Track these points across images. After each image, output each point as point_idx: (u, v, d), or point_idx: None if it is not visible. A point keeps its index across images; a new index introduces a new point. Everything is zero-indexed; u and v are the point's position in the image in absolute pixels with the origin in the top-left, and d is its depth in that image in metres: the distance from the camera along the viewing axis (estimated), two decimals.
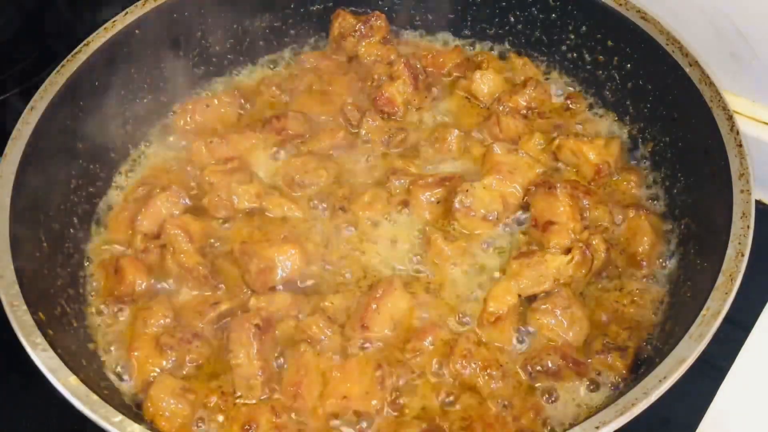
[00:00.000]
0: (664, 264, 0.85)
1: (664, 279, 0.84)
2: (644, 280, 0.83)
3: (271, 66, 1.07)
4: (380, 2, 1.06)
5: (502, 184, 0.87)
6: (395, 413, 0.75)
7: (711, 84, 0.84)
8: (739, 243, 0.72)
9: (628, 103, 0.96)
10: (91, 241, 0.89)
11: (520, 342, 0.79)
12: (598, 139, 0.92)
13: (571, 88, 1.02)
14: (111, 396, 0.71)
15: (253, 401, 0.75)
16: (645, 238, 0.84)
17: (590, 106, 1.00)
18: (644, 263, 0.84)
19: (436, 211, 0.88)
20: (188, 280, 0.83)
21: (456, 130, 0.94)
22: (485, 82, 1.00)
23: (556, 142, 0.92)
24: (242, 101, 1.01)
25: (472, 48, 1.07)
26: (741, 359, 0.82)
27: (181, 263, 0.83)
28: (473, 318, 0.81)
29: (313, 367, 0.75)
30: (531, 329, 0.80)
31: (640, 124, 0.95)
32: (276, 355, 0.78)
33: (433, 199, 0.88)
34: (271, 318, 0.79)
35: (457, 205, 0.86)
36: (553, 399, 0.76)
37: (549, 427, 0.74)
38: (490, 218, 0.87)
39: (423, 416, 0.74)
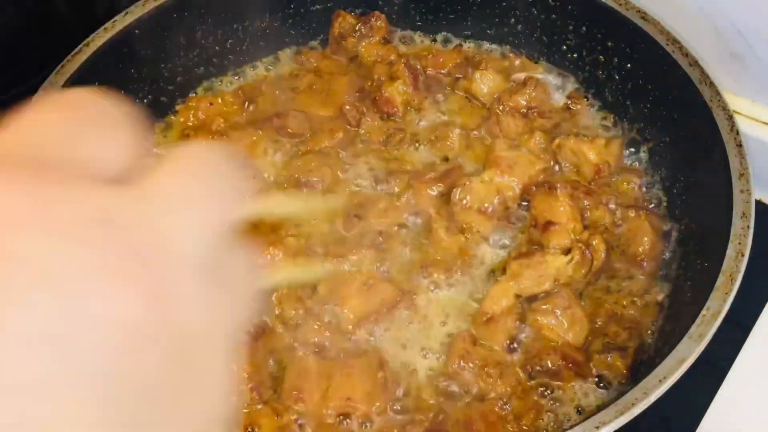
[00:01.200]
0: (664, 264, 0.85)
1: (664, 279, 0.84)
2: (644, 280, 0.83)
3: (272, 66, 1.07)
4: (380, 2, 1.06)
5: (499, 177, 0.87)
6: (398, 413, 0.75)
7: (711, 84, 0.84)
8: (739, 243, 0.72)
9: (628, 103, 0.96)
10: None
11: (519, 342, 0.79)
12: (598, 139, 0.92)
13: (571, 88, 1.02)
14: None
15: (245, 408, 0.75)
16: (645, 239, 0.84)
17: (590, 106, 1.00)
18: (644, 263, 0.84)
19: (439, 205, 0.88)
20: None
21: (457, 129, 0.94)
22: (485, 82, 1.00)
23: (557, 141, 0.92)
24: (245, 101, 1.01)
25: (472, 48, 1.07)
26: (741, 359, 0.82)
27: None
28: (470, 317, 0.81)
29: (315, 371, 0.75)
30: (530, 329, 0.80)
31: (640, 124, 0.95)
32: (272, 360, 0.78)
33: (436, 192, 0.88)
34: (264, 323, 0.78)
35: (454, 197, 0.87)
36: (553, 399, 0.76)
37: (550, 427, 0.74)
38: (487, 210, 0.86)
39: (425, 416, 0.74)
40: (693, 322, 0.68)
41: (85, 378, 0.20)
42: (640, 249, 0.84)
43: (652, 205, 0.90)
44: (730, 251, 0.72)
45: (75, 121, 0.25)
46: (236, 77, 1.05)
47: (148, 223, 0.23)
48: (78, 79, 0.88)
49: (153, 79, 0.98)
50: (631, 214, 0.87)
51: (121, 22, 0.92)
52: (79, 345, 0.20)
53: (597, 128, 0.98)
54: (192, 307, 0.24)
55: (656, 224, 0.87)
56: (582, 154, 0.90)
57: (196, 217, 0.25)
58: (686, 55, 0.86)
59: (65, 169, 0.23)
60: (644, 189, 0.91)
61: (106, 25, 0.92)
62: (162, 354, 0.22)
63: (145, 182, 0.24)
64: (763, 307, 0.87)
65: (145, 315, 0.22)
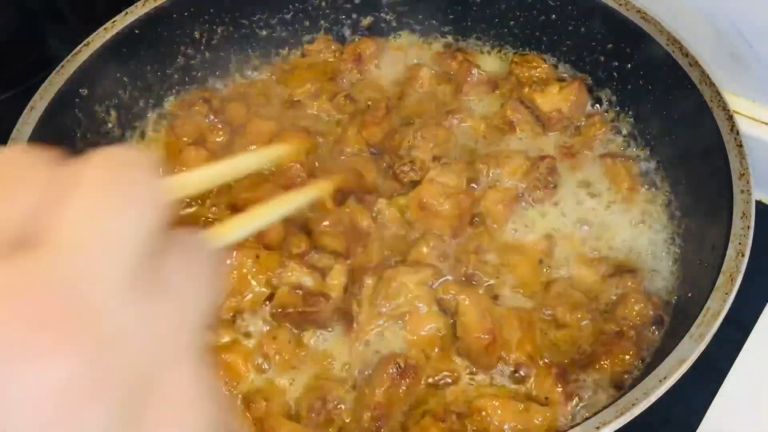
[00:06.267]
0: (663, 265, 0.85)
1: (664, 279, 0.83)
2: (644, 280, 0.83)
3: (271, 66, 1.07)
4: (379, 6, 1.06)
5: None
6: (413, 415, 0.74)
7: (711, 84, 0.83)
8: (740, 243, 0.72)
9: (628, 103, 0.96)
10: None
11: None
12: (552, 86, 0.91)
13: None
14: None
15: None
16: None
17: (590, 106, 1.00)
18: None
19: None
20: None
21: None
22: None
23: (514, 97, 0.93)
24: (244, 100, 1.01)
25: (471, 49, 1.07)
26: (741, 359, 0.82)
27: None
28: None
29: None
30: None
31: (641, 125, 0.95)
32: None
33: None
34: None
35: None
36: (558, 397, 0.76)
37: (554, 425, 0.74)
38: None
39: (437, 417, 0.74)
40: (693, 322, 0.68)
41: None
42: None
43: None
44: (730, 251, 0.72)
45: None
46: (235, 77, 1.05)
47: (60, 278, 0.22)
48: (78, 79, 0.88)
49: (153, 80, 0.98)
50: (608, 161, 0.89)
51: (121, 22, 0.92)
52: (18, 419, 0.20)
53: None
54: (137, 328, 0.23)
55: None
56: (536, 106, 0.89)
57: (114, 238, 0.23)
58: (686, 55, 0.86)
59: None
60: (645, 190, 0.91)
61: (106, 25, 0.92)
62: (119, 389, 0.22)
63: (48, 234, 0.23)
64: (763, 307, 0.87)
65: (81, 366, 0.21)
